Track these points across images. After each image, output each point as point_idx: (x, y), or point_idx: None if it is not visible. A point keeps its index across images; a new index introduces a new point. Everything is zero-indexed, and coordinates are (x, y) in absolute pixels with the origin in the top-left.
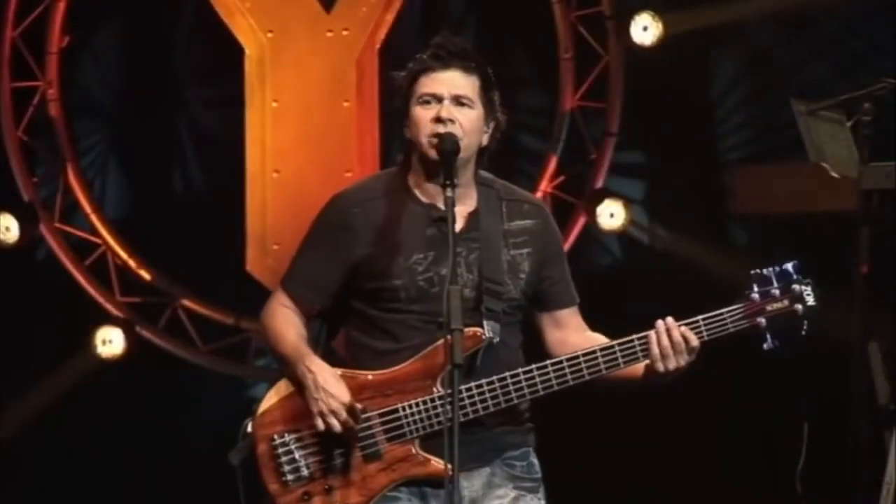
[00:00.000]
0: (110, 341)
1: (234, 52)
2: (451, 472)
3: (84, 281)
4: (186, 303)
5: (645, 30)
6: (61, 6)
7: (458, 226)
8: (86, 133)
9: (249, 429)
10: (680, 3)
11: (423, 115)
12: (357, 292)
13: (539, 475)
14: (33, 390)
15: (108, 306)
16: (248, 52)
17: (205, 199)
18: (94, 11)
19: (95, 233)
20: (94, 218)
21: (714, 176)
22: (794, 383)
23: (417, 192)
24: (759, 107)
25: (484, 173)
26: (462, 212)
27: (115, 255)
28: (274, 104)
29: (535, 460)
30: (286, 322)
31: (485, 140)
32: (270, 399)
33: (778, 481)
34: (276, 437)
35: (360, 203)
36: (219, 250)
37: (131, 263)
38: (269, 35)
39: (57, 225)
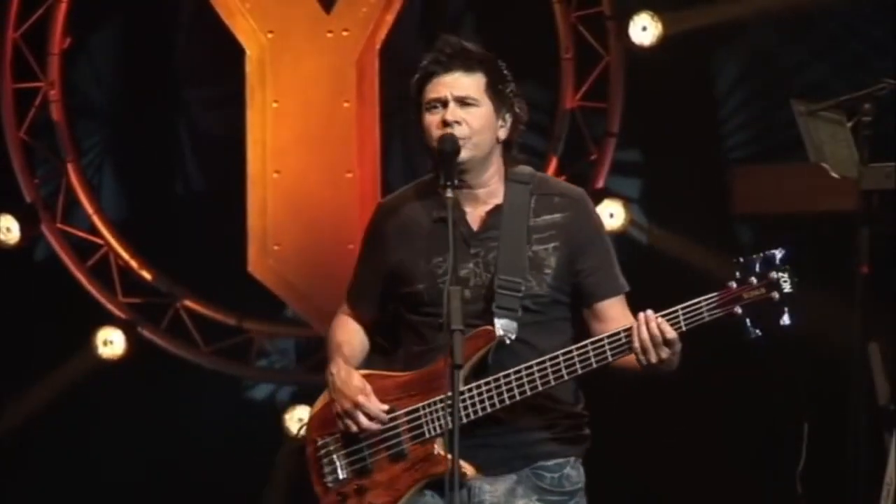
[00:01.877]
0: (111, 342)
1: (234, 52)
2: (453, 475)
3: (86, 281)
4: (188, 303)
5: (644, 30)
6: (63, 7)
7: (477, 225)
8: (86, 134)
9: (303, 431)
10: (681, 3)
11: (431, 121)
12: (396, 298)
13: (574, 488)
14: (34, 391)
15: (110, 307)
16: (249, 52)
17: (206, 199)
18: (94, 12)
19: (97, 233)
20: (95, 218)
21: (714, 176)
22: (794, 384)
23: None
24: (760, 107)
25: (522, 168)
26: (482, 210)
27: (117, 255)
28: (274, 105)
29: (571, 471)
30: (340, 329)
31: (502, 134)
32: (319, 402)
33: (778, 482)
34: (318, 439)
35: (392, 210)
36: (220, 251)
37: (133, 264)
38: (270, 36)
39: (59, 225)
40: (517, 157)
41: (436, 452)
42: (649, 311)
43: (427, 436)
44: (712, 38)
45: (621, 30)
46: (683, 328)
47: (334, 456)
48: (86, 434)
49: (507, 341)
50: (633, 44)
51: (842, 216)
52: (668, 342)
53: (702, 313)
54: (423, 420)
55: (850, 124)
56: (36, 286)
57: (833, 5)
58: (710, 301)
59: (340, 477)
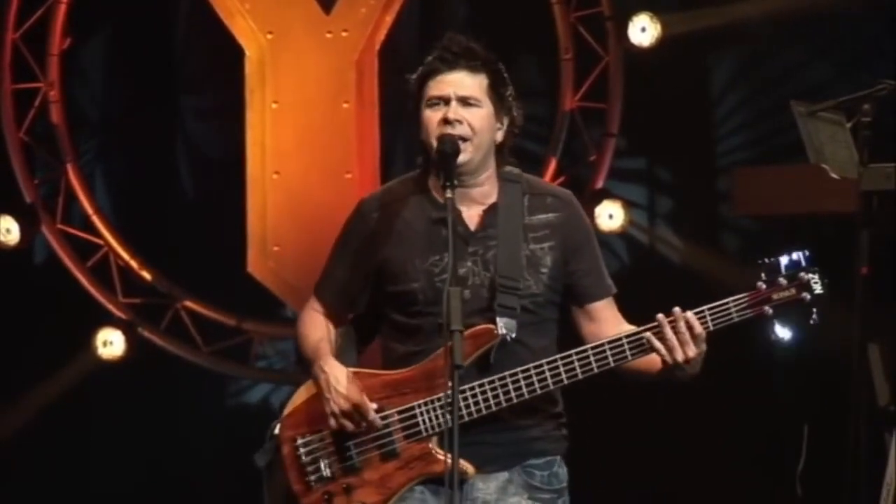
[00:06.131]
0: (111, 343)
1: (234, 51)
2: (453, 475)
3: (86, 282)
4: (188, 304)
5: (643, 31)
6: (62, 8)
7: (474, 224)
8: (86, 133)
9: (276, 431)
10: (680, 4)
11: (431, 117)
12: (383, 297)
13: (562, 486)
14: (34, 392)
15: (110, 307)
16: (248, 53)
17: (206, 200)
18: (87, 17)
19: (97, 234)
20: (95, 219)
21: (713, 177)
22: (795, 385)
23: (435, 194)
24: (759, 108)
25: (511, 169)
26: (478, 209)
27: (117, 256)
28: (274, 105)
29: (560, 470)
30: (312, 325)
31: (499, 136)
32: (295, 401)
33: (778, 483)
34: (299, 438)
35: (381, 207)
36: (220, 251)
37: (133, 264)
38: (269, 36)
39: (59, 226)
40: (507, 159)
41: (433, 451)
42: (676, 309)
43: (423, 434)
44: (711, 39)
45: (621, 30)
46: (711, 327)
47: (320, 454)
48: (86, 434)
49: (509, 339)
50: (632, 44)
51: (842, 217)
52: (695, 338)
53: (730, 313)
54: (420, 418)
55: (849, 125)
56: (36, 287)
57: (833, 6)
58: (739, 301)
59: (326, 475)
